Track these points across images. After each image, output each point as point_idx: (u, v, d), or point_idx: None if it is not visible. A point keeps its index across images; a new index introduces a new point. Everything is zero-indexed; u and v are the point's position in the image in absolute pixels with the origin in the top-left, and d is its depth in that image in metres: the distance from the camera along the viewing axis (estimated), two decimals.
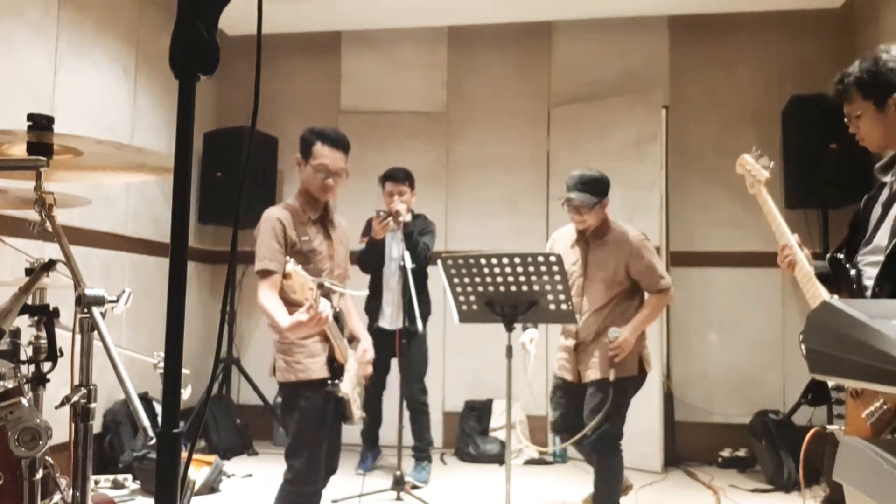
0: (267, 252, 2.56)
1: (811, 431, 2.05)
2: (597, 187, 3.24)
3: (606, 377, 3.17)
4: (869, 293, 1.98)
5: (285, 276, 2.30)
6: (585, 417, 3.21)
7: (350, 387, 2.63)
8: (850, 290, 2.02)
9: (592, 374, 3.24)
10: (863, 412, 1.87)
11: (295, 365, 2.56)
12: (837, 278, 2.09)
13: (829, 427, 2.04)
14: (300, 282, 2.31)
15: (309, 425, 2.55)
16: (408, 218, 4.11)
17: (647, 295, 3.33)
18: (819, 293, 2.06)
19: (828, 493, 3.84)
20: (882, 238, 2.00)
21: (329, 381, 2.57)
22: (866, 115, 2.05)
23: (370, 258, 4.29)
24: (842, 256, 2.10)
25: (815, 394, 2.13)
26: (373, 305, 4.34)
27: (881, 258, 1.96)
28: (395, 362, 4.17)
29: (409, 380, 4.09)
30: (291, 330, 2.42)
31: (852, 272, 2.04)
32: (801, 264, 2.14)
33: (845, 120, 2.13)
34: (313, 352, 2.57)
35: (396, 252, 4.24)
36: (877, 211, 2.07)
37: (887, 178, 2.09)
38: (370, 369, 2.79)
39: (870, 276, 2.00)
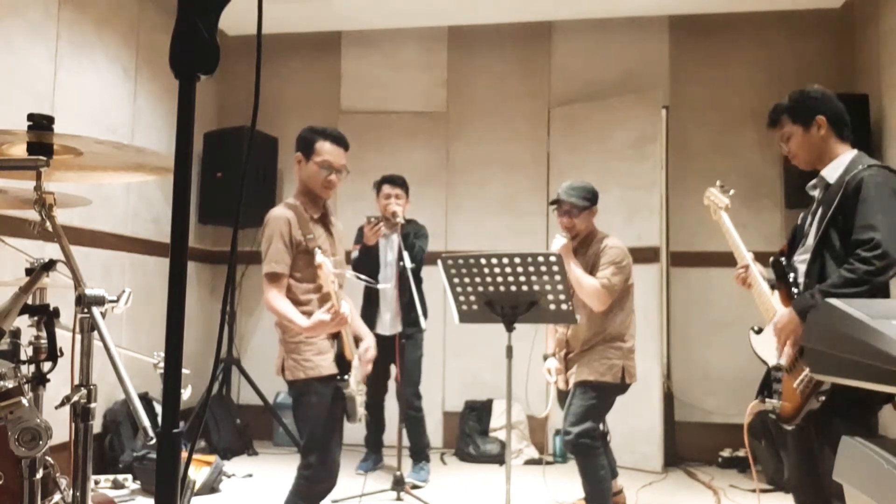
0: (274, 254, 2.57)
1: (751, 405, 2.39)
2: (587, 195, 3.37)
3: (583, 379, 3.28)
4: (802, 286, 2.31)
5: (316, 266, 2.43)
6: (563, 419, 3.31)
7: (355, 383, 2.67)
8: (787, 287, 2.35)
9: (574, 377, 3.35)
10: (794, 383, 2.22)
11: (304, 363, 2.58)
12: (778, 278, 2.40)
13: (769, 401, 2.37)
14: (326, 274, 2.40)
15: (323, 421, 2.57)
16: (401, 222, 4.13)
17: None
18: (771, 307, 2.39)
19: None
20: (811, 238, 2.33)
21: (338, 377, 2.59)
22: (795, 137, 2.39)
23: (365, 265, 4.26)
24: (783, 260, 2.42)
25: (770, 391, 2.42)
26: (370, 312, 4.31)
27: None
28: (394, 367, 4.18)
29: (404, 385, 4.10)
30: (313, 329, 2.49)
31: (790, 273, 2.37)
32: (756, 284, 2.45)
33: (781, 146, 2.47)
34: (322, 349, 2.60)
35: (391, 257, 4.24)
36: (809, 220, 2.41)
37: (815, 193, 2.43)
38: (370, 368, 2.81)
39: (804, 272, 2.33)
